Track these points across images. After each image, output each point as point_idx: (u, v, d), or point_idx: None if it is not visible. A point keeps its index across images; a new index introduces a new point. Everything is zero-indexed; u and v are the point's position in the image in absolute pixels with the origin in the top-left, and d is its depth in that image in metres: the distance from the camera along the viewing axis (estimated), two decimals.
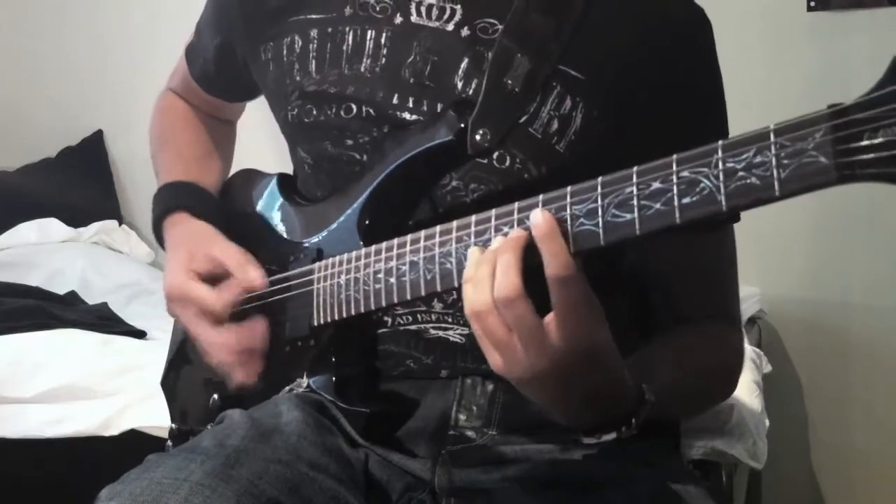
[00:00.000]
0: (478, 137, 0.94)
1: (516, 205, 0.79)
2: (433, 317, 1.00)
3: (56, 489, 1.92)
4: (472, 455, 0.99)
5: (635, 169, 0.72)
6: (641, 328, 1.03)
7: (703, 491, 0.98)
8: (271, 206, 1.12)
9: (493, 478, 0.98)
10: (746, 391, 1.80)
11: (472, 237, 0.82)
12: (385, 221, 0.97)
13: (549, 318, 0.77)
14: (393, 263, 0.89)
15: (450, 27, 1.01)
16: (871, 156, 0.60)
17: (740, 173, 0.66)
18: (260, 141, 1.75)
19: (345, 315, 0.95)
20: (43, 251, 2.74)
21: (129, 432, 1.90)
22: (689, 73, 1.02)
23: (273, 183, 1.14)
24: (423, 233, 0.86)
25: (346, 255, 0.95)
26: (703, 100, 1.03)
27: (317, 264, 1.00)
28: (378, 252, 0.91)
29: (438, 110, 0.99)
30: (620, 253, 1.03)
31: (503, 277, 0.76)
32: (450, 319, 0.99)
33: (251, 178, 1.19)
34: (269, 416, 0.99)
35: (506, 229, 0.79)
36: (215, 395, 1.12)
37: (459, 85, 1.00)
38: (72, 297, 2.46)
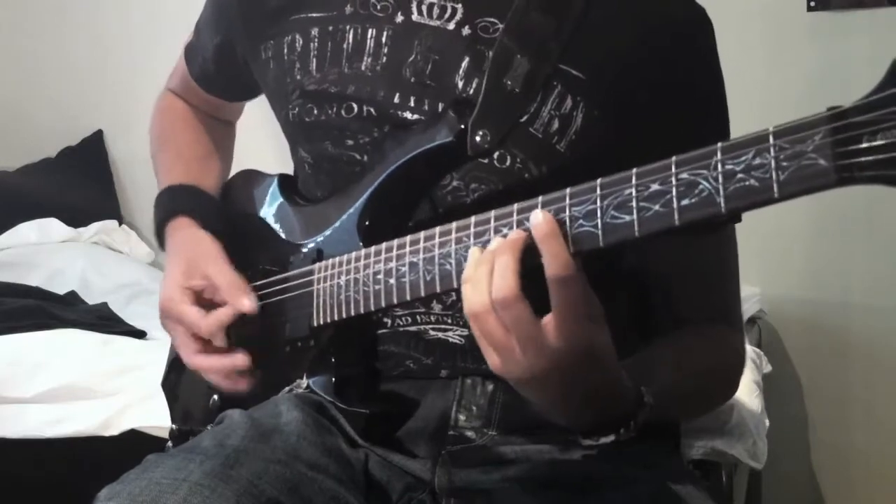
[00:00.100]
0: (478, 138, 0.94)
1: (515, 206, 0.79)
2: (432, 318, 1.00)
3: (56, 489, 1.92)
4: (471, 455, 0.99)
5: (634, 171, 0.72)
6: (641, 329, 1.03)
7: (703, 491, 0.98)
8: (272, 207, 1.12)
9: (492, 478, 0.98)
10: (746, 391, 1.80)
11: (472, 238, 0.81)
12: (385, 222, 0.97)
13: (548, 318, 0.77)
14: (392, 264, 0.89)
15: (451, 26, 1.01)
16: (870, 158, 0.60)
17: (739, 175, 0.66)
18: (260, 141, 1.74)
19: (344, 316, 0.95)
20: (43, 251, 2.73)
21: (129, 432, 1.90)
22: (689, 74, 1.02)
23: (274, 184, 1.14)
24: (422, 234, 0.86)
25: (345, 256, 0.96)
26: (703, 100, 1.03)
27: (317, 265, 1.00)
28: (378, 253, 0.91)
29: (439, 110, 0.99)
30: (620, 254, 1.03)
31: (500, 279, 0.76)
32: (449, 321, 0.99)
33: (252, 178, 1.19)
34: (268, 416, 0.99)
35: (505, 230, 0.79)
36: (215, 396, 1.13)
37: (460, 84, 0.99)
38: (72, 297, 2.45)
